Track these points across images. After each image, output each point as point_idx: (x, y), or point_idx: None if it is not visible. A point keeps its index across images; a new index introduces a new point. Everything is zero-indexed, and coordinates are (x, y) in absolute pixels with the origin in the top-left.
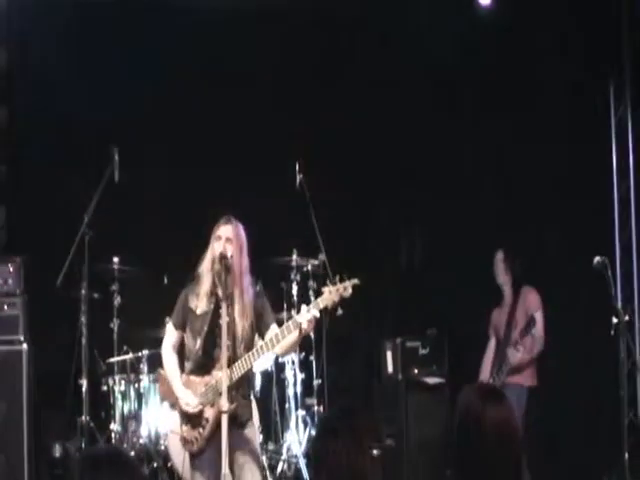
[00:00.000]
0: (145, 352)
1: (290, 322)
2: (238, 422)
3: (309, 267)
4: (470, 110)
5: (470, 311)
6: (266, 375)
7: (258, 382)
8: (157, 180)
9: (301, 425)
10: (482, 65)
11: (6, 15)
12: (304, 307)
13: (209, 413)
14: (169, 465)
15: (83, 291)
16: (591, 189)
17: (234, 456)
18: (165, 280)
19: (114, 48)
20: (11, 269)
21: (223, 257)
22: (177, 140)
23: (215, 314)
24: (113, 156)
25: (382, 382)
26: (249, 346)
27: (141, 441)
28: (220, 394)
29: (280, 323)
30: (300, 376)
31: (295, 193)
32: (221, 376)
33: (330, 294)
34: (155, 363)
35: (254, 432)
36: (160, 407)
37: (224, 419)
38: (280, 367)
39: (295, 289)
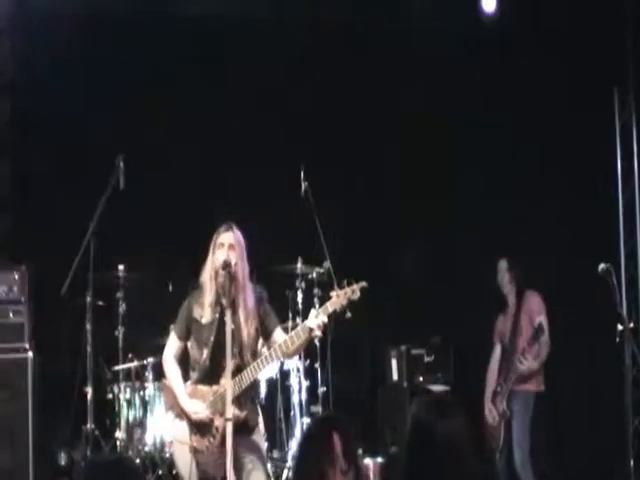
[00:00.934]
0: (150, 360)
1: (299, 328)
2: (248, 427)
3: (314, 275)
4: (474, 114)
5: (475, 318)
6: (271, 382)
7: (263, 389)
8: (162, 188)
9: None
10: (486, 69)
11: (12, 21)
12: (313, 311)
13: (219, 422)
14: (174, 473)
15: (88, 299)
16: (596, 194)
17: (242, 462)
18: (170, 287)
19: (117, 53)
20: (16, 277)
21: (227, 265)
22: (182, 148)
23: (221, 323)
24: (118, 164)
25: (387, 390)
26: (255, 352)
27: (146, 449)
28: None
29: (285, 331)
30: (305, 383)
31: (300, 200)
32: (229, 384)
33: (338, 298)
34: (160, 371)
35: (261, 438)
36: (165, 415)
37: (229, 427)
38: (285, 374)
39: (300, 297)
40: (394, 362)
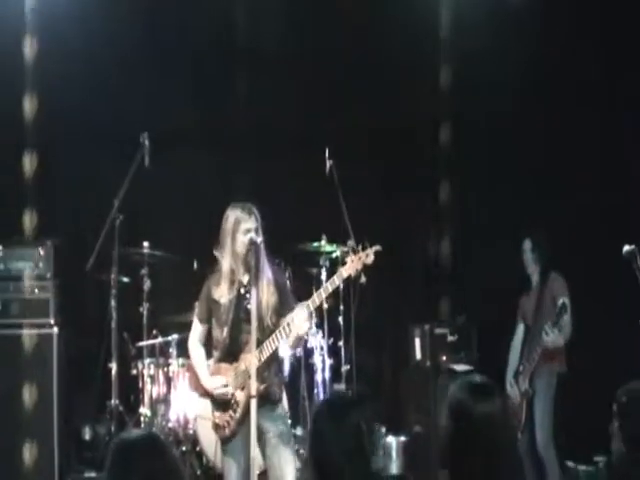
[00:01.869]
0: (175, 336)
1: (284, 325)
2: (271, 401)
3: (338, 253)
4: (506, 98)
5: (499, 298)
6: (295, 361)
7: (287, 367)
8: (188, 165)
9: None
10: (514, 54)
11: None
12: (300, 306)
13: (240, 396)
14: (198, 449)
15: (113, 275)
16: (623, 177)
17: (266, 437)
18: (195, 265)
19: (141, 35)
20: (42, 253)
21: (253, 242)
22: (207, 125)
23: (239, 301)
24: (143, 141)
25: (410, 369)
26: (277, 325)
27: (170, 425)
28: (250, 377)
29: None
30: (329, 362)
31: (325, 179)
32: (250, 359)
33: (353, 262)
34: (184, 348)
35: (286, 413)
36: (189, 392)
37: (253, 403)
38: (308, 353)
39: (324, 275)
40: (417, 341)
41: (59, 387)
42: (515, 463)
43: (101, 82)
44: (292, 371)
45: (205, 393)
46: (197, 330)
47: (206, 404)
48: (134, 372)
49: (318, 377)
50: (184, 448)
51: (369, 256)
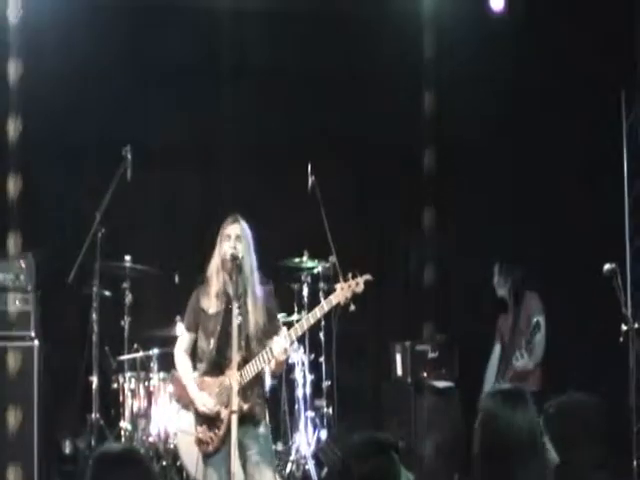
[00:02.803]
0: (156, 351)
1: (265, 351)
2: (254, 420)
3: (320, 269)
4: (479, 113)
5: (480, 315)
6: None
7: (268, 383)
8: (170, 179)
9: (310, 426)
10: (493, 70)
11: (20, 27)
12: (282, 332)
13: (224, 413)
14: (178, 464)
15: (94, 288)
16: (602, 195)
17: (247, 454)
18: (176, 279)
19: (124, 50)
20: (23, 265)
21: (234, 258)
22: (190, 140)
23: (227, 314)
24: (126, 155)
25: (391, 385)
26: (263, 344)
27: (150, 439)
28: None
29: (290, 325)
30: (309, 377)
31: (307, 195)
32: (235, 376)
33: (342, 290)
34: (165, 362)
35: (268, 431)
36: (170, 406)
37: (234, 419)
38: (290, 368)
39: (306, 291)
40: (399, 357)
41: (39, 400)
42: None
43: (84, 97)
44: (273, 386)
45: (189, 404)
46: (184, 340)
47: (188, 418)
48: (115, 386)
49: (299, 392)
50: (164, 463)
51: (359, 285)
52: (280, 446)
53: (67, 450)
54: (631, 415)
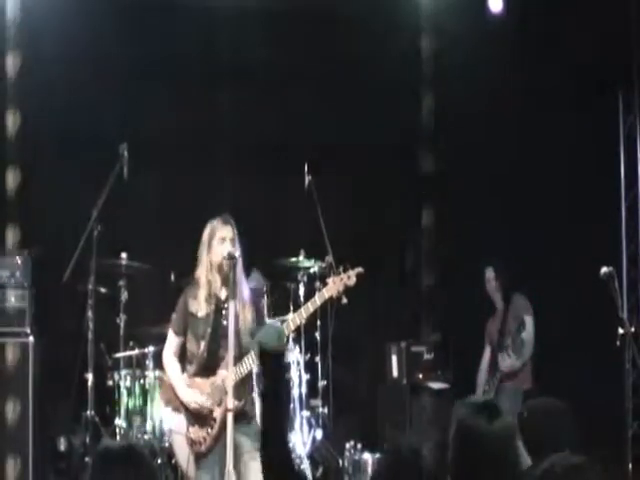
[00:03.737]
0: (151, 348)
1: (288, 321)
2: (245, 417)
3: (316, 268)
4: (476, 117)
5: (475, 316)
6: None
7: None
8: (166, 178)
9: (305, 426)
10: (491, 72)
11: (18, 20)
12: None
13: (217, 412)
14: (173, 462)
15: (90, 286)
16: (599, 199)
17: (239, 453)
18: (172, 277)
19: (123, 49)
20: (19, 262)
21: (232, 257)
22: (187, 138)
23: (217, 315)
24: (123, 153)
25: (386, 386)
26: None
27: (145, 437)
28: (226, 393)
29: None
30: (305, 377)
31: (303, 194)
32: (226, 375)
33: (335, 284)
34: (161, 360)
35: (258, 429)
36: (164, 407)
37: (229, 417)
38: (285, 367)
39: (302, 290)
40: (394, 358)
41: (35, 396)
42: None
43: (81, 94)
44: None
45: (179, 407)
46: (172, 343)
47: (180, 419)
48: (110, 383)
49: (295, 392)
50: (159, 460)
51: (351, 278)
52: None
53: (62, 447)
54: (627, 417)
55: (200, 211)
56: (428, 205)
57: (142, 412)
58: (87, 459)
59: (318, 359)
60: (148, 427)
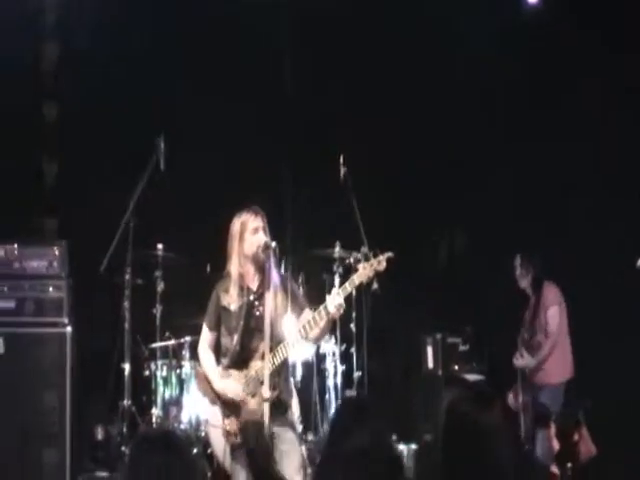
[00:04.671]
0: (187, 339)
1: (321, 308)
2: (281, 407)
3: (351, 260)
4: (513, 108)
5: (511, 308)
6: (307, 366)
7: (299, 372)
8: (203, 169)
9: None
10: (527, 62)
11: (56, 11)
12: (334, 290)
13: (252, 403)
14: (209, 451)
15: (127, 276)
16: (635, 189)
17: (275, 443)
18: (208, 268)
19: (158, 38)
20: (57, 252)
21: (268, 247)
22: (223, 130)
23: (249, 307)
24: (159, 144)
25: (422, 377)
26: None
27: (182, 427)
28: (261, 383)
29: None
30: (341, 368)
31: (339, 186)
32: (260, 366)
33: (365, 269)
34: (197, 350)
35: (295, 418)
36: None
37: (266, 407)
38: (321, 358)
39: (337, 281)
40: (429, 350)
41: (72, 386)
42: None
43: (119, 85)
44: (304, 376)
45: (215, 399)
46: (206, 337)
47: (216, 411)
48: (146, 373)
49: (330, 383)
50: (195, 450)
51: (381, 263)
52: (311, 436)
53: (99, 436)
54: None
55: (236, 202)
56: (459, 196)
57: (178, 402)
58: (124, 448)
59: (353, 350)
60: (184, 417)
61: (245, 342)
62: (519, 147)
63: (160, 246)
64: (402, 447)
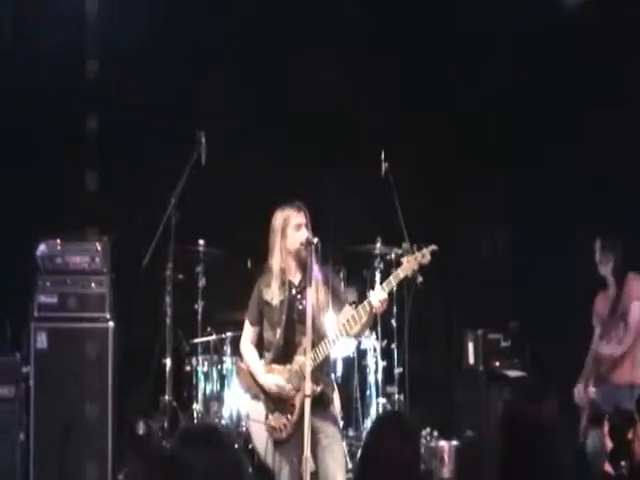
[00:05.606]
0: (229, 334)
1: (365, 302)
2: (323, 402)
3: (392, 255)
4: (555, 104)
5: (553, 304)
6: (348, 362)
7: (340, 368)
8: (244, 164)
9: (381, 413)
10: (569, 60)
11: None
12: (377, 287)
13: (295, 399)
14: (250, 447)
15: (168, 272)
16: None
17: (318, 438)
18: (249, 264)
19: (199, 33)
20: (99, 248)
21: (310, 242)
22: (265, 125)
23: (291, 302)
24: (200, 139)
25: (463, 373)
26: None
27: (223, 422)
28: (304, 378)
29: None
30: (381, 364)
31: (380, 181)
32: (303, 361)
33: (409, 263)
34: (238, 345)
35: (336, 413)
36: (243, 394)
37: (307, 403)
38: (362, 354)
39: (378, 277)
40: (471, 345)
41: (114, 381)
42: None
43: (159, 80)
44: (345, 372)
45: (258, 395)
46: (249, 333)
47: (259, 407)
48: (188, 368)
49: (371, 379)
50: (236, 446)
51: (425, 256)
52: (351, 432)
53: (141, 431)
54: None
55: (277, 198)
56: (501, 192)
57: (219, 397)
58: (165, 443)
59: (394, 346)
60: (225, 412)
61: (288, 336)
62: (565, 147)
63: (202, 241)
64: (443, 443)
